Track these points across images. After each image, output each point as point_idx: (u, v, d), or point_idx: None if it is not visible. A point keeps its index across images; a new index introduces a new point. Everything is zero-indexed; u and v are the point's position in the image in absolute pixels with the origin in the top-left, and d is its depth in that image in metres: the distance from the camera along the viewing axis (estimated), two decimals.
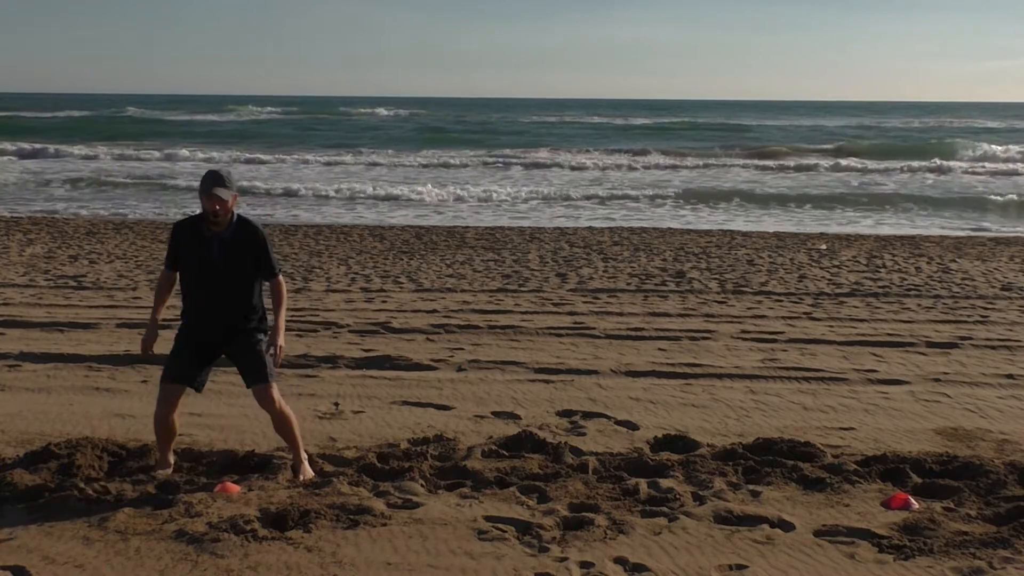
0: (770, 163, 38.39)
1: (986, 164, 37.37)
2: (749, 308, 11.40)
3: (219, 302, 5.46)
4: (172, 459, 5.68)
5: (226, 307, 5.47)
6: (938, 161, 37.10)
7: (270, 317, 5.59)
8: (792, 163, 38.23)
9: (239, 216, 5.48)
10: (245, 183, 27.07)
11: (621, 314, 10.93)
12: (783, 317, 10.88)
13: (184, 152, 40.55)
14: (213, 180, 5.32)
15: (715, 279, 13.49)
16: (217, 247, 5.40)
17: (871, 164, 36.85)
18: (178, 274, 5.61)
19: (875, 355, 9.06)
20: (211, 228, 5.39)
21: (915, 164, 36.59)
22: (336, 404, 7.24)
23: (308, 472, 5.63)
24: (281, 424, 5.58)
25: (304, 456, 5.68)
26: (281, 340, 5.44)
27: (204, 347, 5.54)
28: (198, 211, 5.52)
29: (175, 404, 5.53)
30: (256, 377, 5.50)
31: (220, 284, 5.43)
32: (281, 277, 5.58)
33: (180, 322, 5.65)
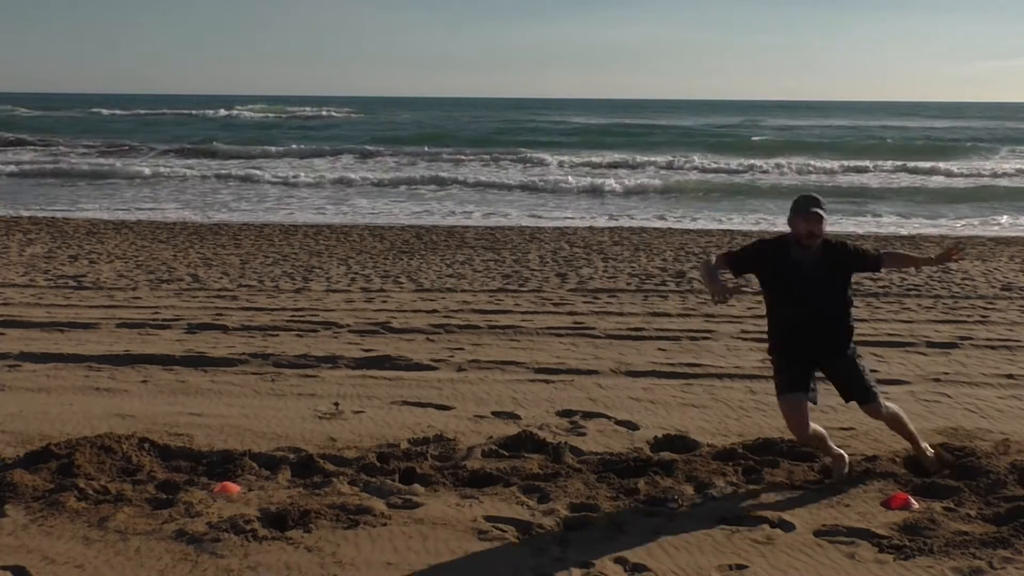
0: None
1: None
2: (749, 308, 11.40)
3: (813, 318, 5.52)
4: (834, 447, 5.76)
5: (819, 319, 5.53)
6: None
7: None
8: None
9: (824, 239, 5.49)
10: None
11: (621, 314, 10.93)
12: None
13: None
14: (811, 201, 5.41)
15: None
16: (809, 268, 5.43)
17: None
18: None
19: (875, 355, 9.05)
20: (800, 251, 5.43)
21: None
22: (336, 404, 7.24)
23: (928, 457, 5.71)
24: (894, 423, 5.67)
25: (925, 447, 5.77)
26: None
27: (803, 362, 5.57)
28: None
29: (805, 413, 5.51)
30: (864, 396, 5.55)
31: (812, 300, 5.48)
32: (888, 250, 5.69)
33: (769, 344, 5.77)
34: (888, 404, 5.67)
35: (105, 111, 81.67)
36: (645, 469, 5.74)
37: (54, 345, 9.07)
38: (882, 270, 5.89)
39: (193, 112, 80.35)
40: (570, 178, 30.28)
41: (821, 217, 5.37)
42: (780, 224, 21.56)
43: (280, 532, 4.84)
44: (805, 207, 5.38)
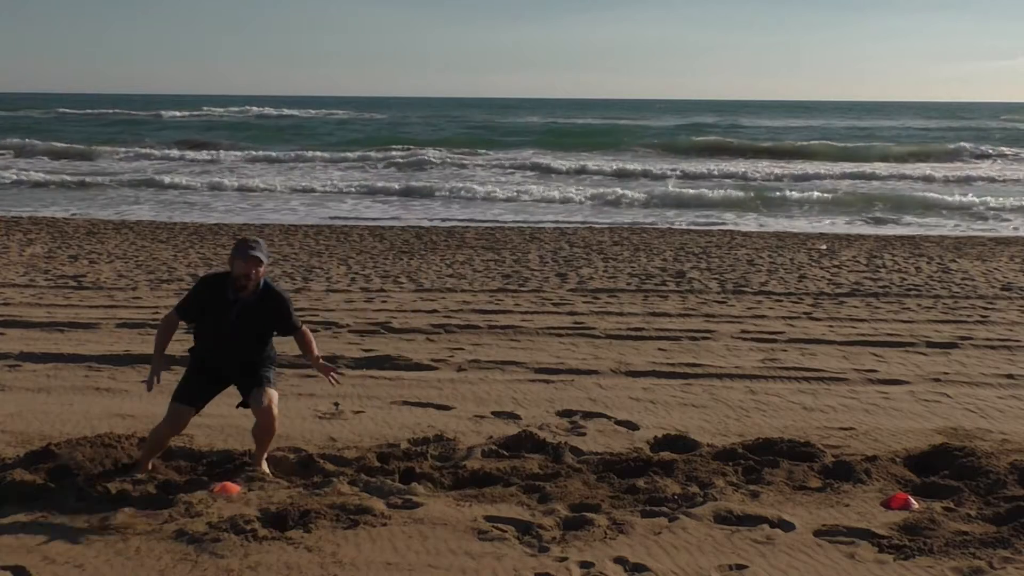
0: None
1: None
2: (749, 308, 11.40)
3: (232, 357, 5.59)
4: (149, 465, 5.68)
5: (238, 360, 5.61)
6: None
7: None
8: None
9: (265, 283, 5.55)
10: None
11: (621, 314, 10.93)
12: (783, 317, 10.88)
13: None
14: (249, 244, 5.45)
15: (715, 279, 13.49)
16: (237, 311, 5.47)
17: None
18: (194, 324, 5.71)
19: (875, 355, 9.06)
20: (236, 292, 5.46)
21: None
22: (336, 404, 7.24)
23: (262, 472, 5.62)
24: (265, 429, 5.58)
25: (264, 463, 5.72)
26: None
27: (216, 374, 5.65)
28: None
29: (183, 426, 5.62)
30: (256, 382, 5.58)
31: (234, 343, 5.54)
32: (305, 328, 5.74)
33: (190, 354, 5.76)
34: (274, 406, 5.53)
35: (70, 111, 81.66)
36: (645, 469, 5.74)
37: (54, 345, 9.06)
38: (293, 339, 5.74)
39: (163, 113, 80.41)
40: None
41: (260, 260, 5.41)
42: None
43: (280, 532, 4.84)
44: (244, 250, 5.41)
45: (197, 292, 5.61)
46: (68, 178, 29.68)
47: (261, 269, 5.46)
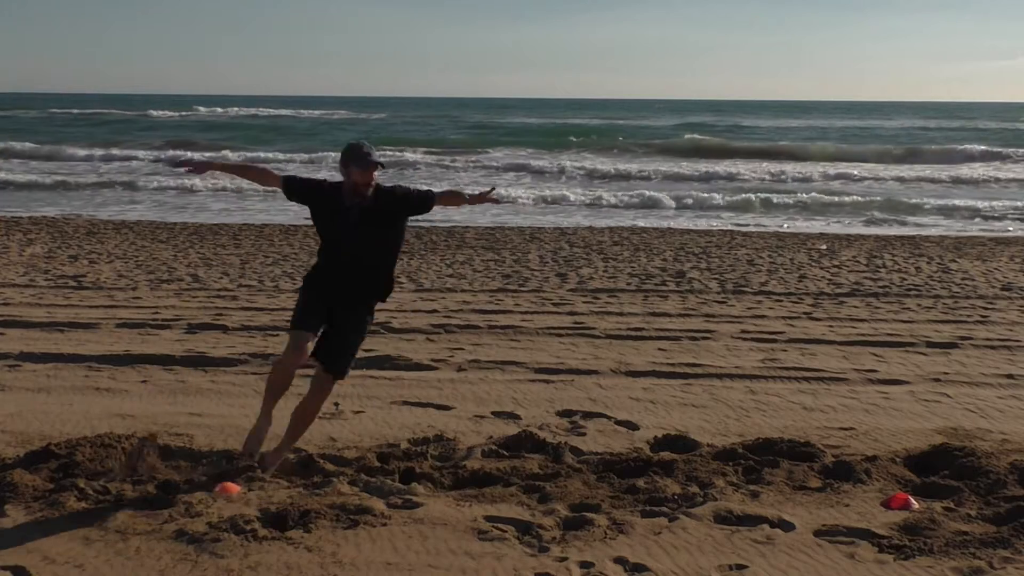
0: None
1: None
2: (749, 308, 11.41)
3: (354, 265, 5.45)
4: (270, 412, 5.63)
5: (358, 270, 5.48)
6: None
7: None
8: None
9: (376, 183, 5.45)
10: None
11: (621, 314, 10.94)
12: (783, 317, 10.88)
13: None
14: (364, 149, 5.34)
15: (715, 279, 13.50)
16: (356, 213, 5.37)
17: None
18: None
19: (875, 355, 9.06)
20: (352, 198, 5.37)
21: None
22: (336, 404, 7.24)
23: (272, 467, 5.60)
24: (305, 415, 5.64)
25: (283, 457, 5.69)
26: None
27: (325, 305, 5.54)
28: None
29: (306, 353, 5.48)
30: (335, 364, 5.55)
31: (356, 244, 5.41)
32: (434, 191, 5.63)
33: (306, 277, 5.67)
34: (324, 397, 5.64)
35: (60, 111, 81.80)
36: (645, 469, 5.74)
37: (54, 345, 9.06)
38: (434, 208, 5.66)
39: (152, 112, 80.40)
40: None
41: (378, 164, 5.32)
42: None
43: (280, 532, 4.84)
44: (362, 156, 5.30)
45: (319, 184, 5.53)
46: (57, 179, 29.55)
47: (377, 172, 5.35)
